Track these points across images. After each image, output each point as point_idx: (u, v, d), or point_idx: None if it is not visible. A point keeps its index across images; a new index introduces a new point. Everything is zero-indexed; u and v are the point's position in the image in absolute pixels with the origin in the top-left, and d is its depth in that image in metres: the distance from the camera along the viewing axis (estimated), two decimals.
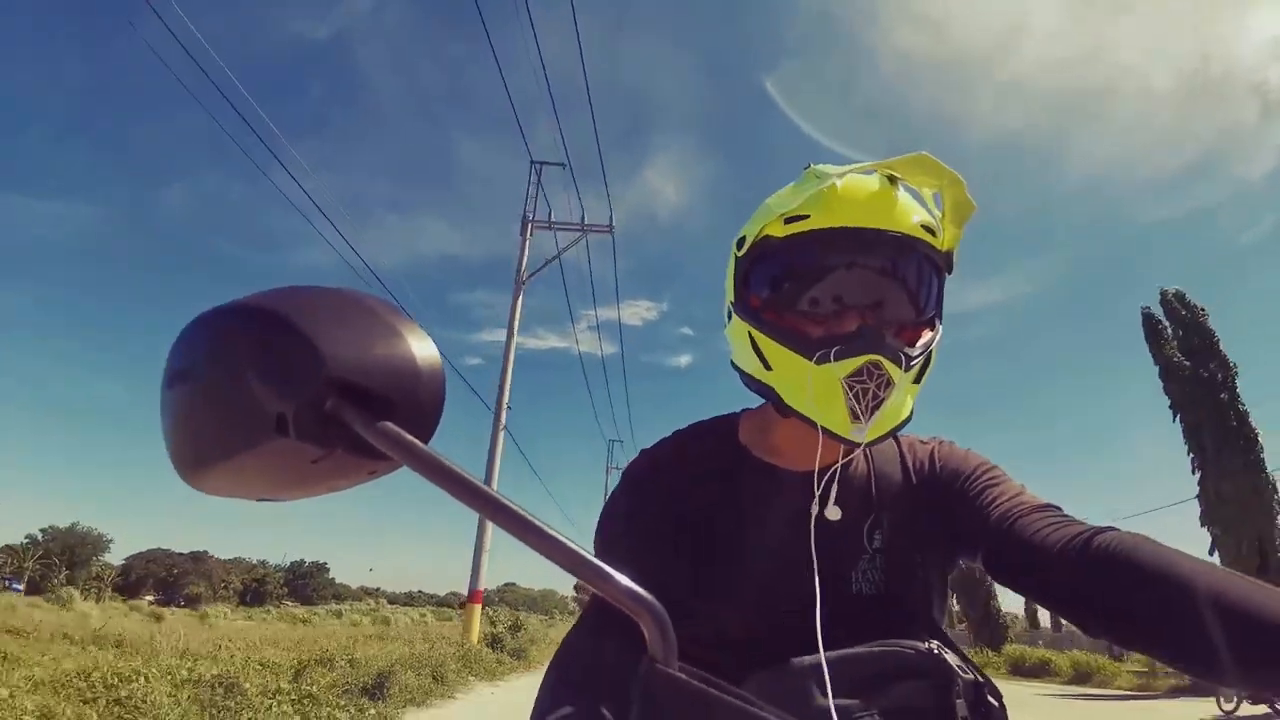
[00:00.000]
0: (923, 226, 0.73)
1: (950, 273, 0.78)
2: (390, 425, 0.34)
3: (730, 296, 0.81)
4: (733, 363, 0.82)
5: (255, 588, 72.14)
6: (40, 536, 57.53)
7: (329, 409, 0.34)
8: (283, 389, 0.33)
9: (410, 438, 0.34)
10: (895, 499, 0.81)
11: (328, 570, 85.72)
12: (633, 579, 0.34)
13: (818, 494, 0.75)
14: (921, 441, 0.87)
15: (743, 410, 0.90)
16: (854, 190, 0.72)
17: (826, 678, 0.61)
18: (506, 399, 11.33)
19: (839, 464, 0.77)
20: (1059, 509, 0.72)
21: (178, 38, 5.28)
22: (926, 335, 0.77)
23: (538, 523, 0.35)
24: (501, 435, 11.12)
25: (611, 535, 0.83)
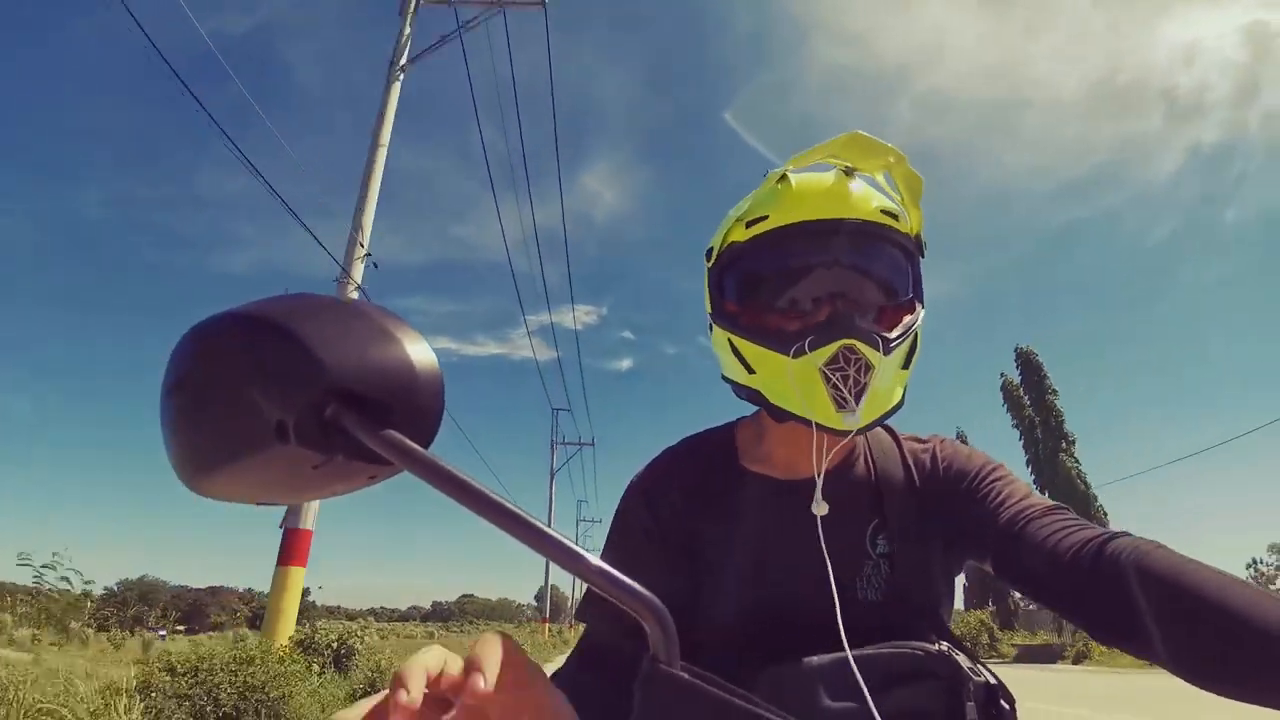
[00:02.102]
0: (883, 211, 0.74)
1: (922, 255, 0.79)
2: (390, 431, 0.34)
3: (708, 308, 0.82)
4: (723, 376, 0.82)
5: (262, 614, 79.35)
6: (117, 587, 73.60)
7: (329, 415, 0.34)
8: (283, 396, 0.34)
9: (410, 443, 0.34)
10: (899, 501, 0.79)
11: (309, 594, 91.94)
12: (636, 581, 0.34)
13: (819, 486, 0.73)
14: (919, 440, 0.86)
15: (738, 420, 0.89)
16: (809, 185, 0.74)
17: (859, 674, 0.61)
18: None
19: (828, 458, 0.74)
20: (1069, 510, 0.70)
21: (142, 26, 4.93)
22: (906, 319, 0.76)
23: (540, 525, 0.34)
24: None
25: (614, 546, 0.83)
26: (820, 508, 0.73)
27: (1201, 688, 0.52)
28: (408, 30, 8.78)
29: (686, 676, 0.33)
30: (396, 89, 8.49)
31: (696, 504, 0.81)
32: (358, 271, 7.70)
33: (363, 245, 7.68)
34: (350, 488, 0.38)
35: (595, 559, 0.35)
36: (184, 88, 5.76)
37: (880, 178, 0.77)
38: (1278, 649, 0.47)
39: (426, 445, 0.36)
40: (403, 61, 8.60)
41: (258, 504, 0.38)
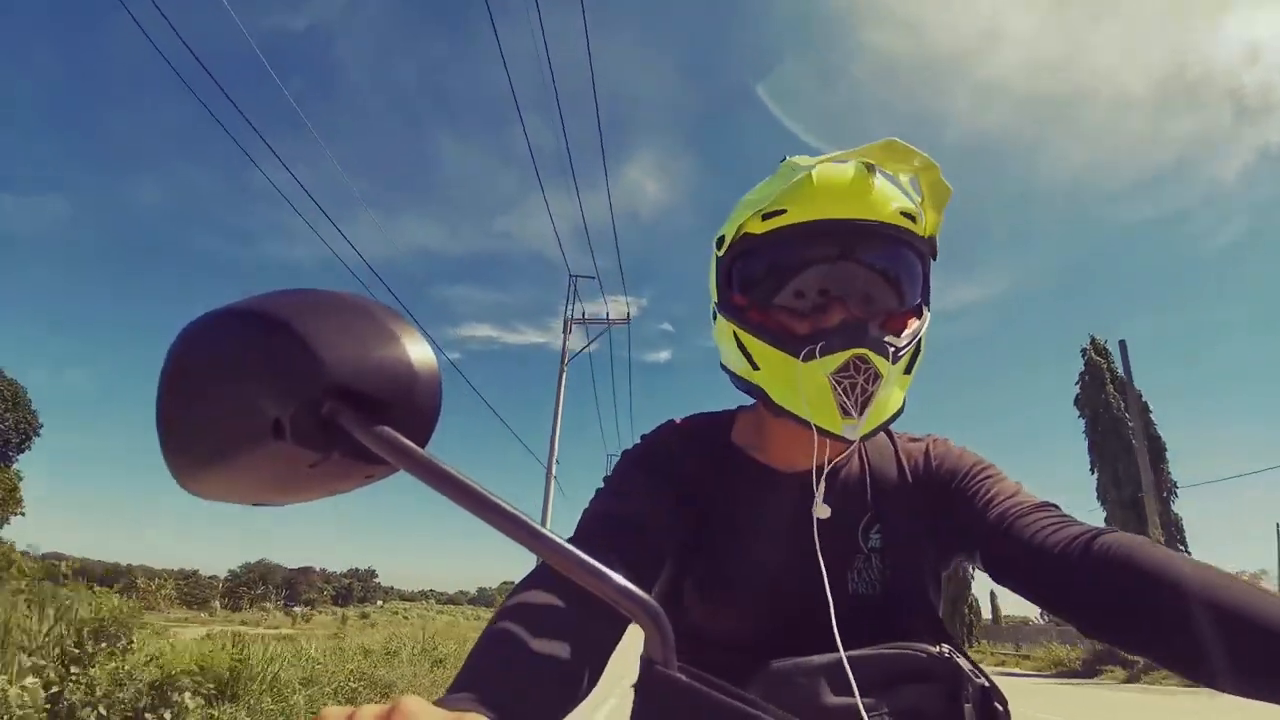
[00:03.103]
0: (902, 213, 0.72)
1: (934, 259, 0.77)
2: (387, 429, 0.34)
3: (714, 297, 0.81)
4: (722, 365, 0.82)
5: (344, 593, 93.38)
6: (239, 570, 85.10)
7: (326, 413, 0.34)
8: (280, 393, 0.34)
9: (407, 442, 0.34)
10: (891, 498, 0.80)
11: (375, 575, 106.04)
12: (626, 569, 0.34)
13: (818, 493, 0.74)
14: (914, 439, 0.86)
15: (738, 407, 0.88)
16: (830, 181, 0.72)
17: (851, 676, 0.60)
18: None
19: (830, 463, 0.75)
20: (1057, 508, 0.70)
21: (170, 22, 5.11)
22: (914, 324, 0.75)
23: (533, 524, 0.35)
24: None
25: (603, 515, 0.73)
26: (822, 510, 0.73)
27: (1191, 680, 0.53)
28: (568, 342, 15.23)
29: (684, 679, 0.33)
30: (564, 378, 14.59)
31: (694, 485, 0.80)
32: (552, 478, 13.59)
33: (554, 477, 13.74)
34: (346, 487, 0.38)
35: (591, 560, 0.34)
36: (227, 99, 6.09)
37: (904, 179, 0.75)
38: (1265, 640, 0.48)
39: (424, 444, 0.36)
40: (567, 360, 14.79)
41: (253, 504, 0.38)
